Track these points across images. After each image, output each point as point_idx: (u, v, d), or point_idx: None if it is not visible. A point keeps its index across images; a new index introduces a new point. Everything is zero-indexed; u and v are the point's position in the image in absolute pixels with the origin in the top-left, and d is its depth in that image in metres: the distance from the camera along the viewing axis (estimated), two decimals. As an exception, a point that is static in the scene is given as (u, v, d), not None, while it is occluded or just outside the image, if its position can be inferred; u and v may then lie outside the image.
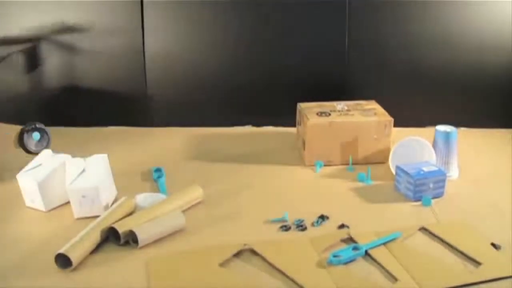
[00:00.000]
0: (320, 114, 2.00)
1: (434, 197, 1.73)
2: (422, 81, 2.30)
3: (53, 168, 1.67)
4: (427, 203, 1.69)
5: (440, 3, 2.19)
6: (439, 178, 1.73)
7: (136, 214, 1.55)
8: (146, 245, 1.47)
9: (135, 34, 2.25)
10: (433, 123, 1.99)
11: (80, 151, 1.94)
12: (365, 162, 1.99)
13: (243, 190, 1.80)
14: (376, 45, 2.27)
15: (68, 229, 1.54)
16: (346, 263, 1.38)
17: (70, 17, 2.23)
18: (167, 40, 2.28)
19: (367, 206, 1.70)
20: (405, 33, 2.24)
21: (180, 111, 2.36)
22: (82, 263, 1.39)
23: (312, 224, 1.58)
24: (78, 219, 1.61)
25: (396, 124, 1.98)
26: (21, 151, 2.00)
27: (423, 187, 1.71)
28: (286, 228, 1.56)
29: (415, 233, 1.54)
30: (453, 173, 1.89)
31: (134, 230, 1.45)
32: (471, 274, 1.34)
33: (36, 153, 1.91)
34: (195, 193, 1.70)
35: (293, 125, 2.21)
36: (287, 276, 1.33)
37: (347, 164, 1.99)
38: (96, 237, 1.45)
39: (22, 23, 2.24)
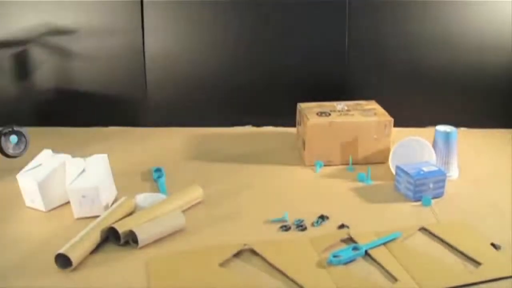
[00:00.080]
0: (320, 114, 2.00)
1: (434, 197, 1.73)
2: (422, 81, 2.30)
3: (53, 168, 1.67)
4: (427, 203, 1.69)
5: (440, 3, 2.19)
6: (439, 178, 1.73)
7: (136, 214, 1.55)
8: (146, 245, 1.47)
9: (135, 34, 2.25)
10: (433, 123, 1.99)
11: (80, 151, 1.95)
12: (365, 162, 1.99)
13: (243, 190, 1.80)
14: (376, 45, 2.27)
15: (68, 229, 1.54)
16: (346, 263, 1.38)
17: (70, 17, 2.23)
18: (167, 40, 2.28)
19: (367, 206, 1.70)
20: (405, 33, 2.24)
21: (180, 111, 2.36)
22: (82, 263, 1.39)
23: (312, 224, 1.58)
24: (78, 219, 1.60)
25: (396, 124, 1.98)
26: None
27: (423, 187, 1.71)
28: (286, 228, 1.56)
29: (415, 233, 1.54)
30: (453, 173, 1.89)
31: (134, 230, 1.45)
32: (471, 274, 1.34)
33: (14, 157, 1.89)
34: (195, 193, 1.70)
35: (293, 125, 2.21)
36: (287, 276, 1.33)
37: (347, 164, 1.99)
38: (96, 237, 1.45)
39: (22, 23, 2.24)
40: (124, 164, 1.98)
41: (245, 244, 1.46)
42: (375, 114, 2.01)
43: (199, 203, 1.71)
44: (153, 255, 1.43)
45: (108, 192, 1.68)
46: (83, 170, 1.66)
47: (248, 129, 2.37)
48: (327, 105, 2.09)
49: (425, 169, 1.75)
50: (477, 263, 1.38)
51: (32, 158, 1.76)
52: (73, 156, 1.75)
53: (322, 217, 1.61)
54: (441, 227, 1.56)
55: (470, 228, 1.56)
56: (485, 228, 1.55)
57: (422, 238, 1.52)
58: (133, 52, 2.27)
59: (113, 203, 1.66)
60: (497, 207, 1.69)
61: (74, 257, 1.36)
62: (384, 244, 1.46)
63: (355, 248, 1.43)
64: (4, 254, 1.43)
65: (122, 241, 1.46)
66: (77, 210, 1.61)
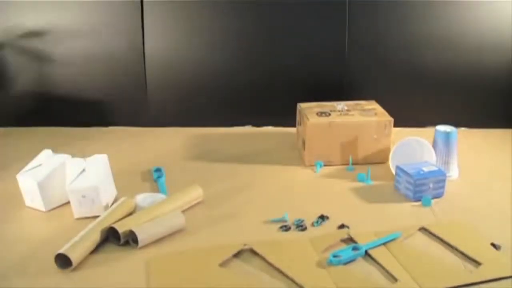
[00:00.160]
0: (320, 114, 2.00)
1: (434, 197, 1.73)
2: (422, 81, 2.30)
3: (53, 168, 1.67)
4: (427, 203, 1.69)
5: (440, 3, 2.19)
6: (439, 178, 1.73)
7: (136, 214, 1.55)
8: (146, 245, 1.47)
9: (135, 34, 2.25)
10: (433, 123, 1.99)
11: (80, 151, 1.95)
12: (365, 162, 1.99)
13: (243, 190, 1.80)
14: (376, 45, 2.27)
15: (68, 229, 1.54)
16: (346, 263, 1.38)
17: (70, 17, 2.23)
18: (167, 40, 2.28)
19: (367, 206, 1.70)
20: (405, 33, 2.24)
21: (180, 111, 2.36)
22: (82, 263, 1.39)
23: (312, 224, 1.58)
24: (78, 219, 1.60)
25: (396, 124, 1.98)
26: (20, 150, 2.00)
27: (423, 187, 1.71)
28: (286, 228, 1.56)
29: (415, 233, 1.54)
30: (453, 173, 1.89)
31: (134, 230, 1.45)
32: (471, 274, 1.34)
33: None
34: (195, 193, 1.70)
35: (293, 125, 2.21)
36: (287, 276, 1.33)
37: (347, 164, 1.99)
38: (96, 237, 1.45)
39: (22, 22, 2.24)
40: (124, 164, 1.98)
41: (245, 244, 1.46)
42: (375, 114, 2.01)
43: (199, 203, 1.71)
44: (153, 255, 1.43)
45: (108, 192, 1.68)
46: (83, 170, 1.66)
47: (248, 129, 2.37)
48: (327, 105, 2.09)
49: (425, 169, 1.75)
50: (477, 263, 1.38)
51: (32, 158, 1.76)
52: (73, 156, 1.75)
53: (322, 217, 1.61)
54: (441, 227, 1.56)
55: (470, 228, 1.56)
56: (485, 228, 1.55)
57: (422, 238, 1.52)
58: (133, 52, 2.27)
59: (113, 203, 1.66)
60: (497, 207, 1.69)
61: (74, 257, 1.36)
62: (384, 244, 1.46)
63: (355, 248, 1.43)
64: (4, 254, 1.43)
65: (122, 241, 1.46)
66: (77, 210, 1.61)
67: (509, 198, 1.74)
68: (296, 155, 2.08)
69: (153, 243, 1.48)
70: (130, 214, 1.58)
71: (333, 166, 1.99)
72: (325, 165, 1.98)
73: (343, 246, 1.46)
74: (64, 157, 1.73)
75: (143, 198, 1.67)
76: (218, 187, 1.82)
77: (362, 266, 1.39)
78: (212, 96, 2.34)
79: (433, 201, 1.71)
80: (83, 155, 1.76)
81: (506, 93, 2.30)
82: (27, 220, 1.62)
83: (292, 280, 1.32)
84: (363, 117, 1.98)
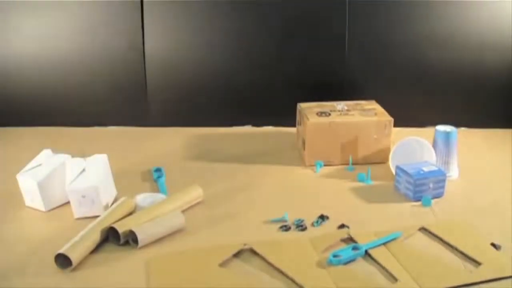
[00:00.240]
0: (320, 114, 2.00)
1: (434, 197, 1.73)
2: (422, 81, 2.30)
3: (53, 168, 1.67)
4: (427, 203, 1.69)
5: (440, 3, 2.19)
6: (439, 178, 1.73)
7: (136, 214, 1.55)
8: (146, 245, 1.47)
9: (135, 34, 2.25)
10: (433, 123, 1.99)
11: (80, 151, 1.94)
12: (365, 162, 1.99)
13: (243, 190, 1.80)
14: (376, 45, 2.26)
15: (68, 229, 1.54)
16: (346, 263, 1.38)
17: (70, 17, 2.23)
18: (167, 40, 2.28)
19: (367, 206, 1.70)
20: (405, 33, 2.24)
21: (180, 111, 2.36)
22: (82, 263, 1.39)
23: (312, 224, 1.58)
24: (78, 219, 1.60)
25: (396, 124, 1.98)
26: (20, 150, 1.99)
27: (423, 187, 1.71)
28: (286, 228, 1.56)
29: (415, 233, 1.54)
30: (453, 173, 1.89)
31: (134, 230, 1.45)
32: (471, 274, 1.34)
33: None
34: (195, 193, 1.70)
35: (293, 125, 2.21)
36: (287, 276, 1.33)
37: (347, 164, 1.98)
38: (96, 237, 1.45)
39: (22, 22, 2.24)
40: (124, 164, 1.98)
41: (245, 244, 1.46)
42: (375, 114, 2.01)
43: (199, 203, 1.71)
44: (153, 255, 1.43)
45: (108, 192, 1.68)
46: (83, 170, 1.66)
47: (248, 129, 2.37)
48: (327, 105, 2.09)
49: (425, 169, 1.75)
50: (477, 263, 1.38)
51: (32, 158, 1.76)
52: (73, 156, 1.75)
53: (322, 217, 1.61)
54: (441, 227, 1.56)
55: (470, 228, 1.56)
56: (485, 228, 1.55)
57: (422, 238, 1.52)
58: (133, 52, 2.27)
59: (113, 203, 1.66)
60: (497, 207, 1.69)
61: (74, 257, 1.36)
62: (384, 244, 1.46)
63: (355, 248, 1.42)
64: (4, 254, 1.43)
65: (122, 241, 1.46)
66: (77, 210, 1.61)
67: (509, 198, 1.74)
68: (296, 155, 2.08)
69: (153, 243, 1.48)
70: (130, 214, 1.58)
71: (333, 166, 1.99)
72: (325, 165, 1.98)
73: (343, 246, 1.46)
74: (64, 157, 1.73)
75: (143, 198, 1.67)
76: (218, 187, 1.82)
77: (362, 266, 1.39)
78: (212, 96, 2.34)
79: (433, 201, 1.71)
80: (83, 155, 1.76)
81: (507, 93, 2.30)
82: (27, 220, 1.62)
83: (292, 280, 1.32)
84: (363, 117, 1.98)
